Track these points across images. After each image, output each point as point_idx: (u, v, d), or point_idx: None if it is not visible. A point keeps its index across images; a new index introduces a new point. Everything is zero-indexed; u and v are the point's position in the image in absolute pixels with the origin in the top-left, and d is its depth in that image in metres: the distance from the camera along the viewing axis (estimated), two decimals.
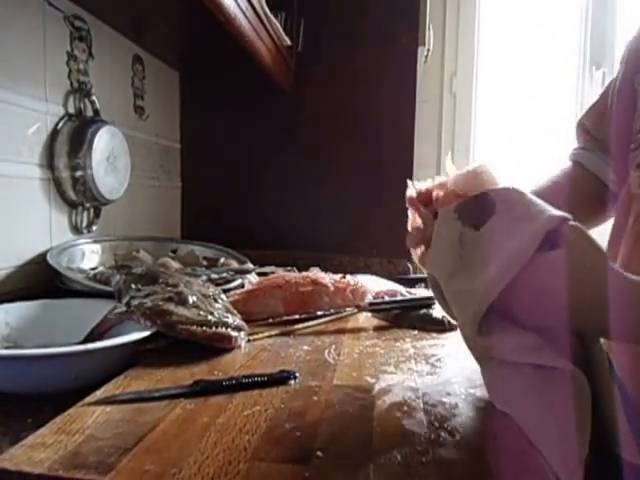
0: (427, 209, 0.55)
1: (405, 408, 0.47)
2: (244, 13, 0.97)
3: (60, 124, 0.95)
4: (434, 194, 0.55)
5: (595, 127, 0.74)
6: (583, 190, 0.73)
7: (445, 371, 0.57)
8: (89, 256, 1.01)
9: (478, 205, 0.44)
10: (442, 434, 0.42)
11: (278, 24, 1.22)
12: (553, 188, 0.74)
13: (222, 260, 1.15)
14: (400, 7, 1.38)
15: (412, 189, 0.57)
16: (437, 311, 0.80)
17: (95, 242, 1.04)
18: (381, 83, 1.41)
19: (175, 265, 1.00)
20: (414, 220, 0.58)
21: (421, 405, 0.47)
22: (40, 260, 0.89)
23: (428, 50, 1.54)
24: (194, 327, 0.59)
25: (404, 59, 1.39)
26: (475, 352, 0.49)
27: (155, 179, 1.36)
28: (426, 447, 0.39)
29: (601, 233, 0.61)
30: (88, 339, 0.60)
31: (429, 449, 0.39)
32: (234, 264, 1.12)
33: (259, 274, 1.02)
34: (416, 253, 0.58)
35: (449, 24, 1.97)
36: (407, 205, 0.58)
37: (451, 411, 0.46)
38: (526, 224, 0.40)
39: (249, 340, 0.66)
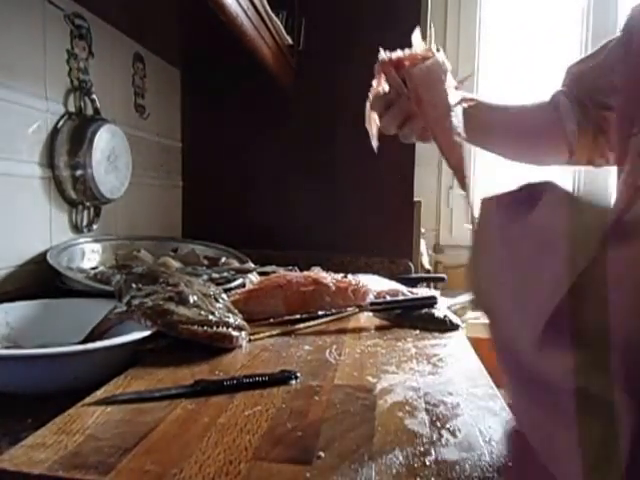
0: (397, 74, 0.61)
1: (407, 408, 0.46)
2: (245, 12, 0.97)
3: (60, 123, 0.94)
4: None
5: (577, 79, 0.80)
6: (544, 126, 0.79)
7: (447, 371, 0.57)
8: (89, 255, 1.01)
9: (522, 196, 0.41)
10: (444, 434, 0.42)
11: (279, 23, 1.22)
12: (523, 112, 0.82)
13: (223, 259, 1.14)
14: (401, 6, 1.38)
15: (384, 55, 0.63)
16: (439, 311, 0.80)
17: (95, 241, 1.04)
18: None
19: (176, 264, 1.00)
20: (378, 86, 0.65)
21: (423, 405, 0.47)
22: (40, 260, 0.88)
23: None
24: (195, 327, 0.59)
25: None
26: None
27: (156, 178, 1.36)
28: (428, 447, 0.39)
29: None
30: (88, 339, 0.60)
31: (431, 449, 0.39)
32: (235, 263, 1.12)
33: (260, 273, 1.01)
34: (373, 119, 0.66)
35: (450, 24, 1.97)
36: (375, 71, 0.65)
37: (453, 411, 0.46)
38: (582, 216, 0.36)
39: (250, 340, 0.66)
